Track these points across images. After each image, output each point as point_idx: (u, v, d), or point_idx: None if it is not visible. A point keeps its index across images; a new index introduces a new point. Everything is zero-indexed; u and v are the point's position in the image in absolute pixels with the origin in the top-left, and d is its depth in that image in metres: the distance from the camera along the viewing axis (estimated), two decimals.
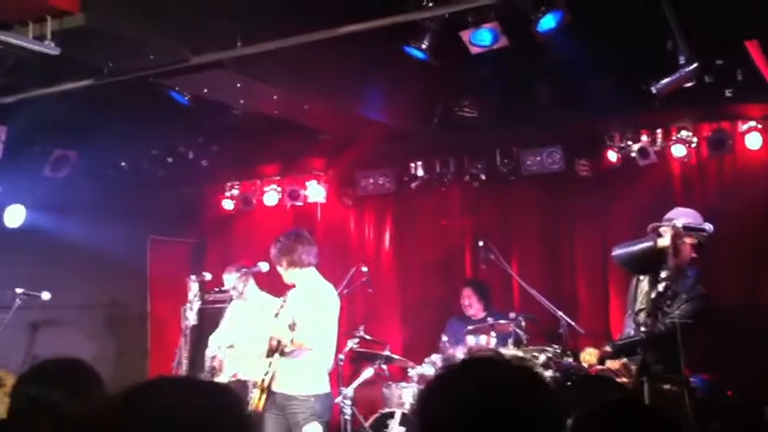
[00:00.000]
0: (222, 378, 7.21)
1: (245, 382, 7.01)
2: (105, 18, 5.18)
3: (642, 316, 5.59)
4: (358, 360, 8.20)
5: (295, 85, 6.82)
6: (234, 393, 1.81)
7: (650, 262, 5.71)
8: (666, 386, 5.65)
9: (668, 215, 5.93)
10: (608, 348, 5.99)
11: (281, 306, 6.13)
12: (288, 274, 6.20)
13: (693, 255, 5.85)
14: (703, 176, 8.10)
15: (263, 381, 6.01)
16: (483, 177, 8.86)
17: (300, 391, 5.92)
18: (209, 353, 7.18)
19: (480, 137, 8.24)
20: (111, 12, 5.18)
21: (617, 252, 5.80)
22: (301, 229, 6.61)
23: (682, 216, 5.89)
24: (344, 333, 7.58)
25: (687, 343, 5.87)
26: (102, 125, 7.72)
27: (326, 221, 9.83)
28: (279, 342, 6.03)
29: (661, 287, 5.72)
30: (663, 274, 5.43)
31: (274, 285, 6.87)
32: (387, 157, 9.21)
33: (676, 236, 5.64)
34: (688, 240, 5.80)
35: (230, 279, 7.42)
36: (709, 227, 5.80)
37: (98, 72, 6.01)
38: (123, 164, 9.15)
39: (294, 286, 6.22)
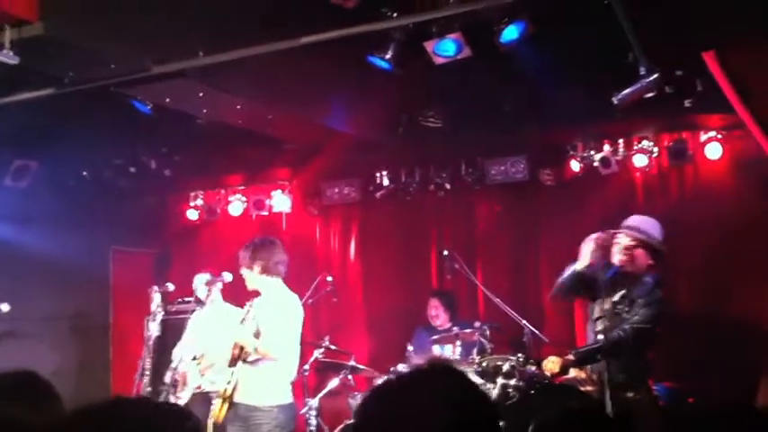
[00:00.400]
0: (186, 391, 7.14)
1: (207, 393, 6.96)
2: (65, 27, 5.13)
3: (600, 324, 5.64)
4: (323, 370, 8.17)
5: (259, 95, 6.81)
6: (194, 420, 1.84)
7: (581, 285, 5.87)
8: (629, 394, 5.71)
9: (626, 222, 6.01)
10: (570, 357, 6.01)
11: (247, 312, 6.08)
12: (256, 280, 6.13)
13: (649, 261, 5.91)
14: (665, 186, 8.19)
15: (225, 390, 5.96)
16: (448, 187, 8.89)
17: (264, 402, 5.88)
18: (171, 366, 7.10)
19: (445, 147, 8.27)
20: (71, 21, 5.14)
21: (554, 291, 6.08)
22: (275, 238, 6.56)
23: (639, 224, 5.98)
24: (310, 343, 7.56)
25: (648, 350, 5.99)
26: (64, 135, 7.64)
27: (292, 231, 9.79)
28: (241, 350, 5.98)
29: (617, 296, 5.82)
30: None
31: (237, 296, 6.85)
32: (352, 167, 9.20)
33: (626, 248, 5.79)
34: (641, 250, 5.89)
35: (201, 281, 7.41)
36: (655, 236, 5.90)
37: (58, 81, 5.95)
38: (85, 173, 9.06)
39: (257, 294, 6.18)
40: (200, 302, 7.44)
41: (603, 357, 5.60)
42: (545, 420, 2.27)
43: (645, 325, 5.75)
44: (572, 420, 2.28)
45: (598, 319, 5.70)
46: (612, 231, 5.93)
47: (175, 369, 7.06)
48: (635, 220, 6.03)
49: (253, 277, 6.13)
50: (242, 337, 5.96)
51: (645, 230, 5.93)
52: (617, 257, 5.90)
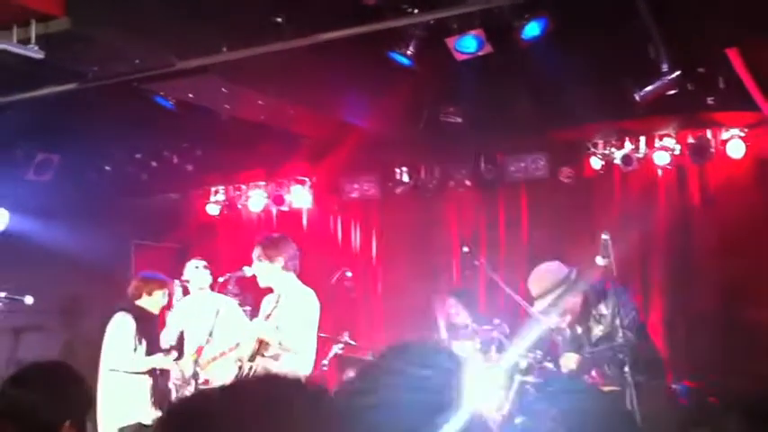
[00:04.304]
0: (191, 386, 7.07)
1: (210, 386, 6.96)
2: (90, 22, 5.17)
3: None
4: (343, 365, 8.19)
5: (280, 91, 6.83)
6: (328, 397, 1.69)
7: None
8: (649, 393, 5.73)
9: (532, 287, 6.21)
10: (587, 355, 6.06)
11: (274, 307, 6.11)
12: (276, 274, 6.15)
13: (577, 298, 6.04)
14: (686, 184, 8.15)
15: None
16: (467, 183, 8.89)
17: None
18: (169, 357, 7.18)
19: (464, 143, 8.27)
20: (96, 16, 5.17)
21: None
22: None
23: (540, 291, 6.08)
24: (329, 338, 7.58)
25: (649, 344, 6.10)
26: (87, 129, 7.71)
27: (312, 226, 9.83)
28: (261, 344, 6.01)
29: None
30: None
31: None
32: (371, 163, 9.22)
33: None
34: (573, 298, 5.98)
35: (193, 268, 7.45)
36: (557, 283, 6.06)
37: (82, 76, 6.00)
38: (107, 168, 9.12)
39: (271, 290, 6.21)
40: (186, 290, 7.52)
41: (618, 356, 5.66)
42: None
43: (634, 312, 5.86)
44: None
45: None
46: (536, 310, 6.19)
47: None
48: (535, 285, 6.19)
49: (273, 271, 6.15)
50: (266, 332, 5.99)
51: (550, 287, 6.07)
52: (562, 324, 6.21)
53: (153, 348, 7.18)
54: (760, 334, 7.43)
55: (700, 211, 7.95)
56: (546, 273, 6.17)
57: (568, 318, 6.11)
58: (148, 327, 7.27)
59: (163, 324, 7.69)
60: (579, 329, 6.17)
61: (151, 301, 7.28)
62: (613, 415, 2.42)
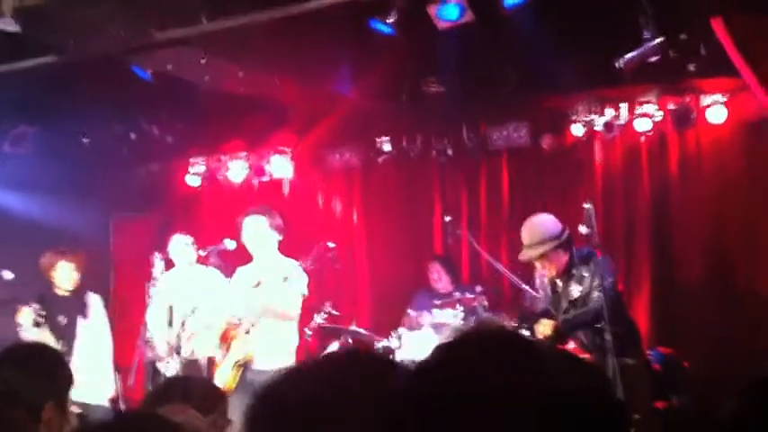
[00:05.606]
0: (174, 360, 7.05)
1: (196, 361, 6.96)
2: None
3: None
4: (325, 335, 8.21)
5: (261, 62, 6.76)
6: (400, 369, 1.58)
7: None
8: (628, 360, 5.82)
9: (524, 235, 6.25)
10: (563, 323, 6.13)
11: (260, 276, 6.18)
12: (271, 245, 6.27)
13: (566, 256, 6.13)
14: (668, 150, 8.16)
15: (246, 355, 6.03)
16: (449, 152, 8.87)
17: (274, 366, 5.93)
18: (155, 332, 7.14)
19: (446, 112, 8.24)
20: None
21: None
22: None
23: (533, 237, 6.17)
24: (312, 308, 7.60)
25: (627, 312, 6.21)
26: (64, 102, 7.60)
27: (293, 197, 9.78)
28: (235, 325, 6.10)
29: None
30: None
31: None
32: (353, 133, 9.17)
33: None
34: (553, 254, 6.09)
35: (179, 243, 7.40)
36: (552, 235, 6.11)
37: (59, 49, 5.90)
38: (85, 140, 9.00)
39: (249, 260, 6.29)
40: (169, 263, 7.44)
41: (594, 323, 5.76)
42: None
43: (610, 279, 5.96)
44: None
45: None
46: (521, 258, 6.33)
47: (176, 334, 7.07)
48: (527, 234, 6.25)
49: (270, 242, 6.23)
50: (278, 300, 6.05)
51: (541, 240, 6.12)
52: (542, 276, 6.34)
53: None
54: (746, 303, 7.52)
55: (682, 179, 7.97)
56: (541, 224, 6.24)
57: (553, 272, 6.17)
58: None
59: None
60: (560, 285, 6.22)
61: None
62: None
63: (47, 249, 7.32)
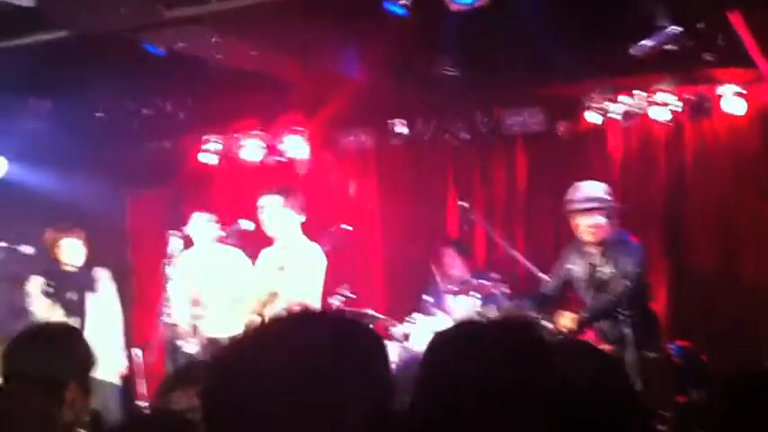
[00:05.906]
0: (196, 339, 7.08)
1: (218, 340, 6.95)
2: None
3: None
4: None
5: (273, 42, 6.74)
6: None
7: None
8: (649, 354, 5.77)
9: (574, 196, 6.15)
10: (584, 314, 6.07)
11: (284, 259, 6.17)
12: (295, 226, 6.25)
13: (609, 225, 6.04)
14: (684, 139, 8.08)
15: None
16: (463, 136, 8.82)
17: None
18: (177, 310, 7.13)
19: (460, 95, 8.19)
20: None
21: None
22: None
23: (587, 194, 6.09)
24: (327, 292, 7.60)
25: (650, 303, 6.13)
26: (78, 77, 7.61)
27: (308, 177, 9.76)
28: (272, 296, 6.08)
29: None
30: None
31: None
32: (367, 115, 9.13)
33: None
34: (601, 220, 5.92)
35: (204, 221, 7.35)
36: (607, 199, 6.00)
37: (72, 24, 5.92)
38: (100, 115, 9.01)
39: (270, 242, 6.26)
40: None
41: (615, 311, 5.69)
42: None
43: (637, 269, 5.87)
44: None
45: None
46: (568, 209, 6.18)
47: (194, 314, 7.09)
48: (586, 188, 6.16)
49: (290, 224, 6.23)
50: (295, 284, 6.05)
51: (600, 198, 6.08)
52: (585, 237, 6.14)
53: None
54: (758, 293, 7.45)
55: (697, 168, 7.90)
56: (600, 186, 6.24)
57: (591, 236, 6.10)
58: None
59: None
60: (595, 265, 6.13)
61: None
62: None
63: (48, 227, 7.34)
